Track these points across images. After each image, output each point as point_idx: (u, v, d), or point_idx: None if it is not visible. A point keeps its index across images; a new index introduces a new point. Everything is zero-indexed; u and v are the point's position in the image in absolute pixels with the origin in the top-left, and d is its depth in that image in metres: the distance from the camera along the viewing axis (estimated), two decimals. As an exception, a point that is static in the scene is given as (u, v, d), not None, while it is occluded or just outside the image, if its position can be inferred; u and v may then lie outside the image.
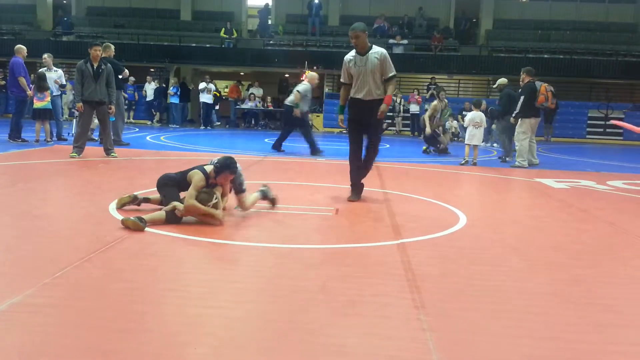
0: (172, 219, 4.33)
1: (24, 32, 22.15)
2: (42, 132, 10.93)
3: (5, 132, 10.93)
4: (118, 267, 3.29)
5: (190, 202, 4.33)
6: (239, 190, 4.84)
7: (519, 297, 3.11)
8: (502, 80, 11.26)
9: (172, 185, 4.64)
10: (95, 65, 8.41)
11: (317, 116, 20.62)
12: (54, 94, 11.19)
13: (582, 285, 3.37)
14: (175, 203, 4.40)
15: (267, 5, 22.73)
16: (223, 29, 20.98)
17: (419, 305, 2.83)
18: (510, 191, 7.64)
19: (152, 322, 2.53)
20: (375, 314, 2.72)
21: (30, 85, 10.76)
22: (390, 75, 5.70)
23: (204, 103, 18.58)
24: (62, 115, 12.40)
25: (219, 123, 19.56)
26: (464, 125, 9.84)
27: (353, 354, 2.30)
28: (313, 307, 2.78)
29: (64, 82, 11.68)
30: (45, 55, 11.39)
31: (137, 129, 16.52)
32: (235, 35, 21.20)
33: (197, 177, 4.46)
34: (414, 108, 18.88)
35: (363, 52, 5.74)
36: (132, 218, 4.11)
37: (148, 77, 19.28)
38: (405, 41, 20.95)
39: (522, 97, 9.79)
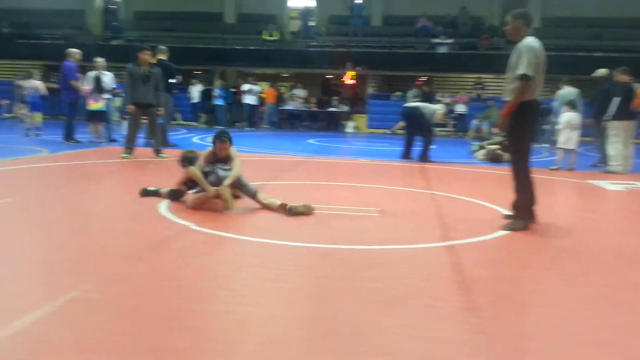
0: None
1: (75, 36, 22.91)
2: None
3: (60, 134, 11.34)
4: (168, 266, 3.36)
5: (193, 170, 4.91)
6: (251, 194, 5.03)
7: (573, 301, 3.01)
8: (603, 71, 9.99)
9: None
10: (144, 68, 8.62)
11: (361, 117, 20.56)
12: (107, 97, 11.53)
13: (639, 289, 3.24)
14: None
15: (307, 7, 22.81)
16: (265, 31, 21.18)
17: (470, 308, 2.78)
18: (562, 193, 7.41)
19: (201, 320, 2.57)
20: (424, 316, 2.68)
21: (89, 89, 11.09)
22: (518, 73, 4.48)
23: (248, 104, 18.80)
24: (113, 117, 12.73)
25: (268, 126, 19.72)
26: (558, 128, 9.24)
27: (401, 356, 2.27)
28: (359, 308, 2.75)
29: (113, 86, 11.98)
30: (98, 59, 11.73)
31: (184, 131, 16.85)
32: (276, 37, 21.37)
33: (208, 150, 5.07)
34: (461, 108, 18.58)
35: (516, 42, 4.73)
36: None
37: (193, 80, 19.62)
38: (449, 40, 20.65)
39: (617, 99, 9.17)
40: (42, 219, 4.40)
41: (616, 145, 9.20)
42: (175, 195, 5.05)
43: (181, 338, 2.35)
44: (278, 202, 4.91)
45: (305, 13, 22.69)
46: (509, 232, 4.51)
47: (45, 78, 16.68)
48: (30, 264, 3.36)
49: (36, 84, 12.44)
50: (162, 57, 10.59)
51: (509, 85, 4.63)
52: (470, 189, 6.87)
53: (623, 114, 9.15)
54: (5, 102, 19.77)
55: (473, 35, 21.27)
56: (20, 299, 2.73)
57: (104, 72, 11.65)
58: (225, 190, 4.73)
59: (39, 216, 4.46)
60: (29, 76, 12.83)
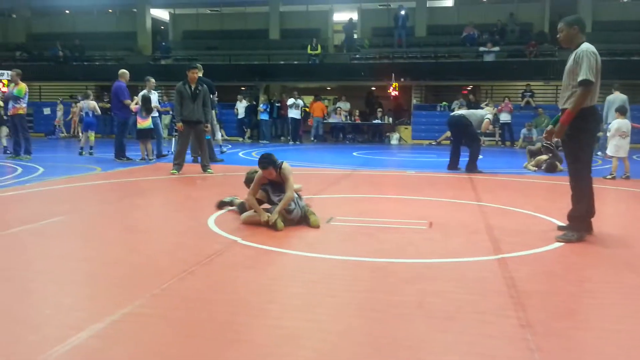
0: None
1: (126, 57, 23.77)
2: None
3: (111, 152, 11.74)
4: (218, 279, 3.40)
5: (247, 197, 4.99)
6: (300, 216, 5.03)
7: (635, 317, 2.86)
8: None
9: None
10: (193, 86, 8.84)
11: (406, 128, 20.41)
12: (154, 115, 11.89)
13: None
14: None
15: (351, 20, 22.90)
16: (309, 45, 21.40)
17: (525, 324, 2.69)
18: (619, 202, 7.12)
19: (252, 334, 2.58)
20: (477, 332, 2.61)
21: (137, 108, 11.47)
22: (580, 79, 4.32)
23: (292, 119, 18.98)
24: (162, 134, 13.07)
25: (313, 139, 19.79)
26: (608, 136, 8.97)
27: (456, 373, 2.21)
28: (411, 322, 2.71)
29: (158, 104, 12.33)
30: (150, 79, 12.10)
31: (230, 146, 17.15)
32: (319, 51, 21.55)
33: (257, 175, 5.02)
34: (505, 117, 18.16)
35: (571, 48, 4.60)
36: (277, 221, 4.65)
37: (239, 96, 19.98)
38: (496, 48, 20.30)
39: None
40: (96, 235, 4.54)
41: None
42: (243, 209, 5.17)
43: (233, 351, 2.37)
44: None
45: (349, 26, 22.79)
46: (563, 243, 4.36)
47: (98, 98, 17.34)
48: (84, 280, 3.47)
49: (91, 104, 12.94)
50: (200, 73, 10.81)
51: (565, 93, 4.51)
52: (520, 199, 6.69)
53: None
54: (60, 122, 20.64)
55: (521, 43, 20.85)
56: (76, 315, 2.81)
57: (152, 91, 12.01)
58: (274, 217, 4.73)
59: (93, 232, 4.61)
60: (86, 96, 13.35)
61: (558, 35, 4.65)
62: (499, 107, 18.10)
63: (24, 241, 4.36)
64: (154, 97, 12.06)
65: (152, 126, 11.60)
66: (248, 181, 5.27)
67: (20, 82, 11.18)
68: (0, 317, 2.73)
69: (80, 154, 12.57)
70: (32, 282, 3.34)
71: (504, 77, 20.00)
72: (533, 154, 10.73)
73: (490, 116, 9.98)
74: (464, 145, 10.10)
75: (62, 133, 20.41)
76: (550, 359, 2.33)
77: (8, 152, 12.08)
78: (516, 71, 19.70)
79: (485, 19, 21.96)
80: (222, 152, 13.04)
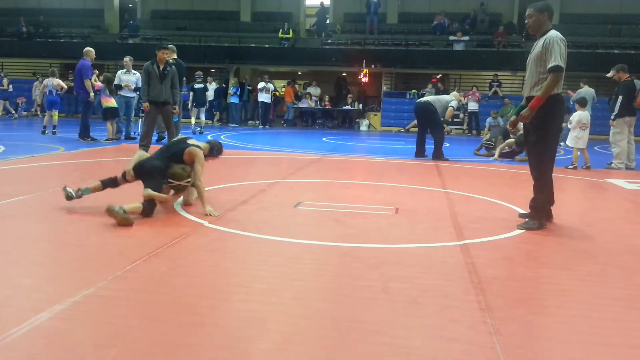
0: (149, 210, 4.43)
1: (93, 35, 23.15)
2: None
3: (75, 132, 11.46)
4: (183, 262, 3.37)
5: (198, 181, 4.64)
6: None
7: (591, 302, 2.96)
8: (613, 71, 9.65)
9: (158, 175, 4.60)
10: (162, 67, 8.67)
11: (375, 115, 20.50)
12: (129, 95, 11.61)
13: (661, 291, 3.18)
14: (150, 192, 4.45)
15: (322, 4, 22.79)
16: (280, 29, 21.22)
17: (485, 308, 2.75)
18: (579, 192, 7.32)
19: (217, 317, 2.57)
20: (440, 315, 2.66)
21: (100, 86, 11.21)
22: (552, 65, 4.34)
23: (262, 102, 18.86)
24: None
25: (284, 124, 19.76)
26: (569, 127, 9.18)
27: (418, 355, 2.25)
28: (376, 307, 2.74)
29: (139, 85, 12.00)
30: (126, 58, 11.81)
31: (198, 128, 16.92)
32: (291, 35, 21.38)
33: (201, 156, 4.75)
34: (473, 106, 18.42)
35: (537, 35, 4.63)
36: (118, 211, 4.10)
37: (209, 78, 19.72)
38: (466, 37, 20.51)
39: (619, 97, 9.23)
40: (57, 216, 4.44)
41: (621, 143, 9.22)
42: (151, 210, 4.55)
43: (197, 334, 2.36)
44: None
45: (322, 10, 22.68)
46: (524, 231, 4.47)
47: (62, 77, 16.87)
48: (45, 261, 3.40)
49: (55, 82, 12.58)
50: (174, 55, 10.61)
51: (531, 80, 4.54)
52: (484, 187, 6.82)
53: (625, 111, 9.18)
54: (23, 99, 20.03)
55: (490, 33, 21.11)
56: (36, 296, 2.76)
57: (132, 71, 11.70)
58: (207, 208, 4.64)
59: (55, 213, 4.50)
60: (52, 74, 12.98)
61: (526, 21, 4.66)
62: (465, 95, 18.31)
63: (-18, 221, 4.24)
64: (134, 77, 11.71)
65: (116, 105, 11.37)
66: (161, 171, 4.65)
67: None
68: (-44, 299, 2.65)
69: (43, 132, 12.24)
70: (-10, 263, 3.26)
71: (473, 67, 20.26)
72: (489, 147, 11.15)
73: (454, 103, 10.07)
74: (428, 132, 10.21)
75: (25, 112, 19.82)
76: (509, 342, 2.39)
77: None
78: (484, 61, 19.98)
79: (456, 8, 22.14)
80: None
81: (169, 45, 10.85)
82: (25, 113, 19.87)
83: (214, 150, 5.05)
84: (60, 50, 21.79)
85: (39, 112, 18.69)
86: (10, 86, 19.75)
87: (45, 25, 23.25)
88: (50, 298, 2.67)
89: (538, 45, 4.52)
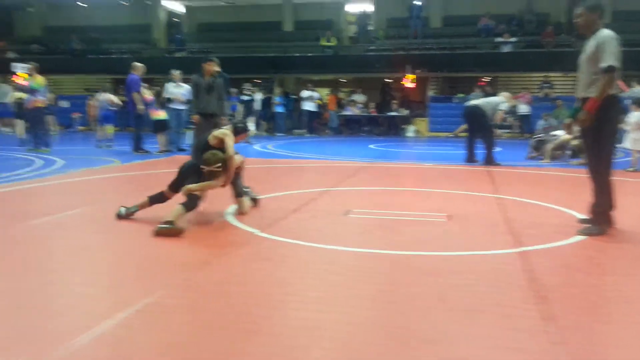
0: (192, 205, 4.46)
1: (141, 50, 23.88)
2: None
3: (129, 145, 11.82)
4: (237, 271, 3.41)
5: (229, 157, 4.62)
6: (238, 193, 5.01)
7: (661, 311, 2.82)
8: None
9: (193, 172, 4.65)
10: (209, 79, 8.85)
11: (422, 121, 20.28)
12: (179, 107, 11.89)
13: None
14: (188, 186, 4.52)
15: (364, 11, 22.76)
16: (323, 38, 21.32)
17: (547, 317, 2.66)
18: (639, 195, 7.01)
19: (271, 325, 2.58)
20: (500, 325, 2.59)
21: (151, 99, 11.51)
22: (604, 65, 4.19)
23: (308, 111, 18.97)
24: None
25: (329, 132, 19.84)
26: (627, 129, 8.83)
27: (479, 366, 2.19)
28: (432, 316, 2.69)
29: (190, 98, 12.23)
30: (175, 72, 12.12)
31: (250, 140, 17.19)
32: (334, 43, 21.45)
33: (228, 134, 4.76)
34: (524, 109, 17.97)
35: (587, 35, 4.46)
36: (165, 226, 4.17)
37: (254, 88, 20.01)
38: (513, 39, 20.06)
39: None
40: (116, 227, 4.57)
41: None
42: (192, 206, 4.59)
43: (252, 342, 2.37)
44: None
45: (362, 17, 22.67)
46: (585, 237, 4.30)
47: (114, 91, 17.48)
48: (106, 271, 3.50)
49: (108, 97, 13.03)
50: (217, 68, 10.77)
51: (585, 81, 4.39)
52: (540, 192, 6.62)
53: None
54: (78, 115, 20.85)
55: (538, 33, 20.59)
56: (100, 304, 2.85)
57: (180, 84, 11.99)
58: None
59: (113, 224, 4.64)
60: (104, 89, 13.46)
61: (577, 20, 4.50)
62: (515, 96, 17.85)
63: (46, 232, 4.41)
64: (183, 89, 11.99)
65: (166, 118, 11.63)
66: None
67: (37, 74, 11.29)
68: (25, 307, 2.76)
69: (99, 146, 12.68)
70: (54, 272, 3.38)
71: (522, 68, 19.77)
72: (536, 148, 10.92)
73: (504, 106, 9.81)
74: (478, 137, 10.01)
75: (81, 126, 20.60)
76: (574, 352, 2.30)
77: (26, 145, 12.23)
78: (533, 62, 19.44)
79: (502, 9, 21.70)
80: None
81: (214, 58, 11.07)
82: (81, 128, 20.66)
83: (238, 129, 5.02)
84: (111, 65, 22.55)
85: (93, 127, 19.38)
86: (64, 101, 20.60)
87: (96, 42, 24.14)
88: (112, 306, 2.75)
89: (590, 45, 4.37)
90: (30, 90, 11.22)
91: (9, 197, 6.06)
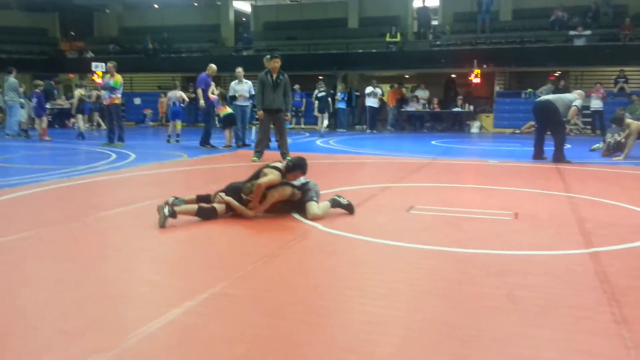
0: (207, 214, 4.57)
1: (210, 49, 24.55)
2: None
3: (196, 140, 12.21)
4: (301, 264, 3.47)
5: (260, 181, 4.62)
6: (306, 199, 4.84)
7: None
8: None
9: (239, 192, 4.78)
10: (275, 76, 9.00)
11: (487, 116, 19.78)
12: (244, 104, 12.16)
13: None
14: (226, 196, 4.69)
15: (424, 5, 22.40)
16: (387, 34, 21.15)
17: (620, 321, 2.55)
18: None
19: (337, 319, 2.61)
20: (572, 327, 2.50)
21: (214, 98, 11.82)
22: None
23: (370, 107, 18.91)
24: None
25: (390, 128, 19.76)
26: None
27: (549, 368, 2.14)
28: (500, 315, 2.64)
29: (253, 93, 12.51)
30: (238, 69, 12.42)
31: (308, 134, 17.34)
32: (398, 39, 21.23)
33: (274, 173, 4.69)
34: (597, 104, 17.13)
35: None
36: (163, 209, 4.36)
37: (318, 84, 20.14)
38: (588, 32, 19.17)
39: None
40: (181, 220, 4.72)
41: None
42: (206, 214, 4.72)
43: (321, 334, 2.41)
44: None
45: (423, 10, 22.37)
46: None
47: (184, 89, 18.09)
48: (176, 261, 3.65)
49: (178, 94, 13.51)
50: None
51: None
52: (613, 191, 6.32)
53: None
54: (149, 111, 21.71)
55: (615, 26, 19.57)
56: (169, 292, 2.98)
57: (244, 80, 12.27)
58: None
59: (178, 217, 4.79)
60: (174, 87, 14.01)
61: None
62: (588, 93, 17.09)
63: (122, 222, 4.64)
64: (246, 86, 12.27)
65: (232, 113, 11.88)
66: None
67: (115, 73, 11.86)
68: (100, 293, 2.92)
69: (168, 141, 13.17)
70: (129, 260, 3.56)
71: (596, 62, 18.88)
72: (614, 122, 10.63)
73: (578, 103, 9.40)
74: (548, 133, 9.65)
75: (152, 122, 21.48)
76: (651, 359, 2.20)
77: (81, 138, 13.13)
78: (609, 56, 18.51)
79: (576, 1, 20.78)
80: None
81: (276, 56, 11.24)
82: (152, 123, 21.51)
83: (293, 166, 4.80)
84: (182, 64, 23.33)
85: (163, 122, 20.17)
86: (137, 98, 21.49)
87: (168, 42, 25.02)
88: (182, 294, 2.86)
89: None
90: (110, 88, 11.80)
91: (86, 188, 6.42)
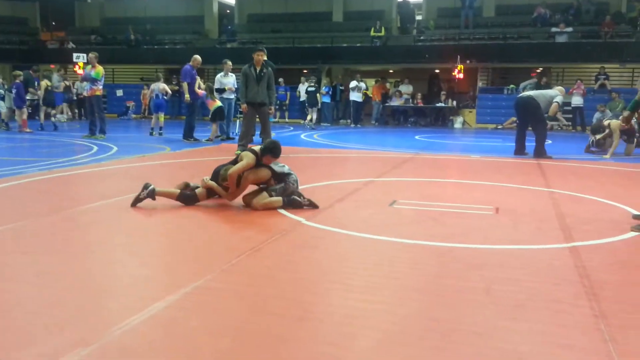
0: (188, 199, 4.89)
1: (193, 41, 24.33)
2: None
3: (179, 133, 12.11)
4: (285, 258, 3.48)
5: (230, 171, 4.77)
6: (269, 189, 4.95)
7: None
8: None
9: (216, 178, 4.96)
10: (258, 69, 8.96)
11: (470, 112, 19.91)
12: (229, 97, 12.08)
13: None
14: (210, 182, 4.90)
15: (405, 0, 22.45)
16: (372, 28, 21.16)
17: (599, 315, 2.61)
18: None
19: (320, 312, 2.62)
20: (550, 320, 2.55)
21: (202, 93, 11.71)
22: None
23: (354, 101, 18.93)
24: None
25: (374, 122, 19.81)
26: None
27: (528, 360, 2.18)
28: (479, 309, 2.68)
29: (237, 86, 12.41)
30: (228, 62, 12.32)
31: (292, 128, 17.31)
32: (383, 33, 21.26)
33: (248, 157, 4.83)
34: (577, 100, 17.35)
35: None
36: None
37: (302, 78, 20.09)
38: (569, 29, 19.37)
39: None
40: (170, 212, 4.72)
41: None
42: (187, 200, 5.02)
43: (302, 328, 2.42)
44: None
45: (404, 4, 22.43)
46: (638, 233, 4.16)
47: (167, 81, 17.91)
48: (159, 254, 3.64)
49: (161, 86, 13.38)
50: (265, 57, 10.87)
51: None
52: (593, 186, 6.42)
53: None
54: (132, 103, 21.47)
55: (596, 23, 19.81)
56: (152, 286, 2.97)
57: (230, 73, 12.19)
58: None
59: (167, 209, 4.79)
60: (157, 79, 13.85)
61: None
62: (570, 90, 17.32)
63: (104, 215, 4.60)
64: (232, 79, 12.21)
65: (221, 106, 11.78)
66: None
67: (97, 64, 11.69)
68: (82, 286, 2.90)
69: (151, 134, 13.05)
70: (112, 253, 3.54)
71: (577, 59, 19.10)
72: (595, 132, 10.62)
73: (559, 99, 9.51)
74: (529, 129, 9.77)
75: (135, 114, 21.25)
76: (626, 351, 2.25)
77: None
78: (590, 53, 18.74)
79: (559, -2, 20.99)
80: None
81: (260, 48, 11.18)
82: (135, 116, 21.28)
83: (267, 149, 4.89)
84: (165, 56, 23.07)
85: (146, 115, 19.98)
86: (119, 90, 21.24)
87: (151, 33, 24.73)
88: (165, 288, 2.86)
89: None
90: (91, 79, 11.63)
91: (68, 181, 6.35)
